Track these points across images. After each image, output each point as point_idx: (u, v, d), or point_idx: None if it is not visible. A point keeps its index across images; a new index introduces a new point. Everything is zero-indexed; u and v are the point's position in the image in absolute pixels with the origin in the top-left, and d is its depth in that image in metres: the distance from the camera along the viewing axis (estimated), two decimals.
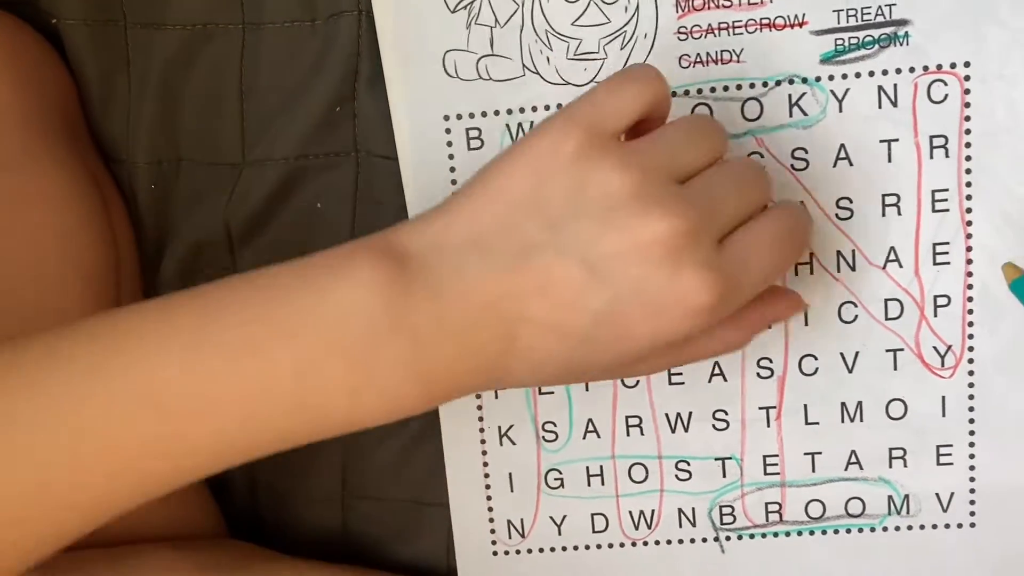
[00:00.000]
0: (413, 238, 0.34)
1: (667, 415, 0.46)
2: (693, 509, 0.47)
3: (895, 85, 0.42)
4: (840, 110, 0.43)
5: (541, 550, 0.48)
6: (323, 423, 0.33)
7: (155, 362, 0.32)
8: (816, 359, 0.45)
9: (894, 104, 0.43)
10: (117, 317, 0.33)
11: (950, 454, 0.46)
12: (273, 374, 0.32)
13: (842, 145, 0.43)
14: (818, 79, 0.43)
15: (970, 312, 0.44)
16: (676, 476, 0.47)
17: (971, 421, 0.45)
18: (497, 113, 0.44)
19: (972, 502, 0.46)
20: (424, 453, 0.49)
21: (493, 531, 0.48)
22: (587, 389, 0.46)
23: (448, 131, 0.44)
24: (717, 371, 0.46)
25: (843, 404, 0.45)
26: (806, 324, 0.45)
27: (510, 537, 0.48)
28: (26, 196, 0.43)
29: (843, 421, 0.46)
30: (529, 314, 0.33)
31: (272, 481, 0.51)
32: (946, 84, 0.42)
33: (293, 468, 0.50)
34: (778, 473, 0.47)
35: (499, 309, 0.33)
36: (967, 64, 0.42)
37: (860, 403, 0.45)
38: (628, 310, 0.33)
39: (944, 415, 0.45)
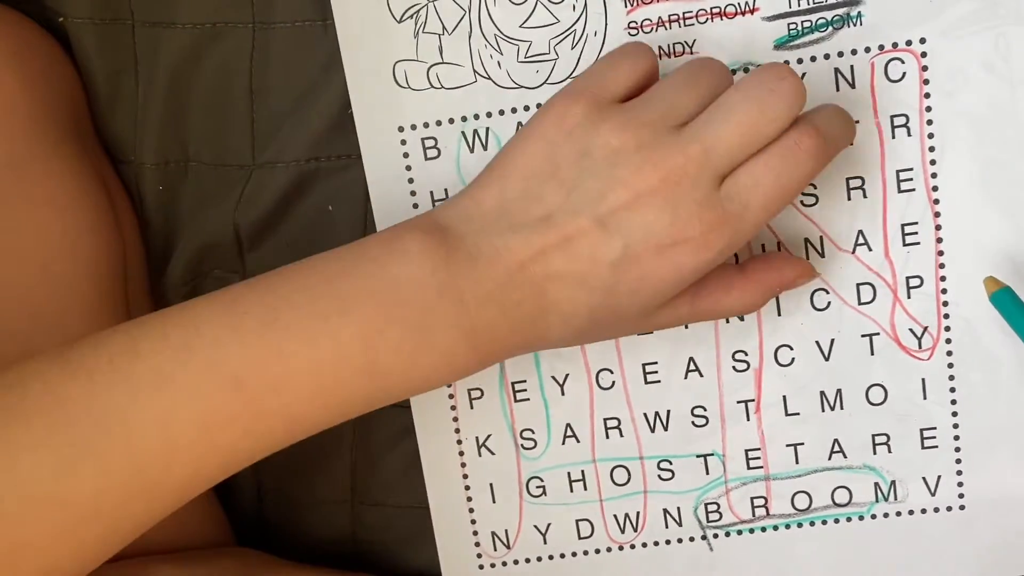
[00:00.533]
0: (449, 213, 0.37)
1: (645, 415, 0.46)
2: (678, 508, 0.47)
3: (851, 67, 0.42)
4: None
5: (528, 560, 0.48)
6: (389, 388, 0.36)
7: (232, 343, 0.34)
8: (792, 349, 0.44)
9: (852, 86, 0.42)
10: (186, 308, 0.35)
11: (934, 437, 0.45)
12: (341, 344, 0.35)
13: None
14: None
15: (944, 292, 0.43)
16: (659, 476, 0.46)
17: (953, 403, 0.44)
18: (452, 121, 0.43)
19: (960, 484, 0.45)
20: None
21: (478, 544, 0.48)
22: (563, 394, 0.46)
23: (404, 142, 0.44)
24: (692, 367, 0.45)
25: (822, 393, 0.45)
26: (779, 314, 0.44)
27: (495, 549, 0.48)
28: (34, 196, 0.43)
29: (823, 410, 0.45)
30: (554, 270, 0.36)
31: (280, 487, 0.51)
32: (903, 62, 0.42)
33: (302, 474, 0.50)
34: (761, 467, 0.46)
35: (528, 269, 0.36)
36: (923, 40, 0.41)
37: (839, 391, 0.45)
38: (641, 255, 0.36)
39: (925, 398, 0.44)
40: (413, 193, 0.44)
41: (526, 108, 0.43)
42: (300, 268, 0.37)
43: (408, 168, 0.44)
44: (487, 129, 0.43)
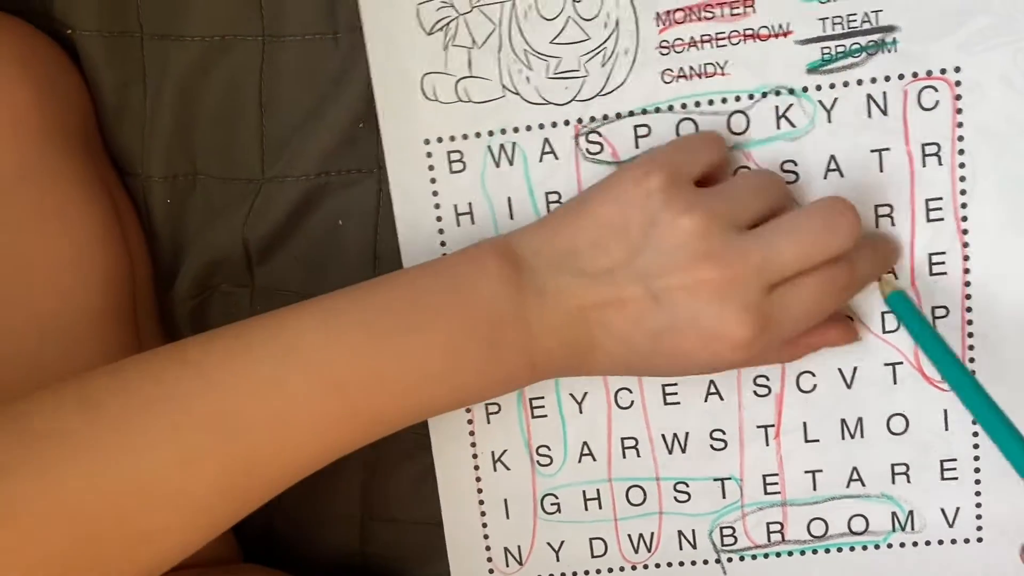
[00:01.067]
0: (523, 244, 0.40)
1: (663, 436, 0.45)
2: (693, 531, 0.46)
3: (884, 93, 0.41)
4: (829, 120, 0.42)
5: None
6: (461, 396, 0.39)
7: (335, 350, 0.37)
8: (814, 375, 0.44)
9: (884, 112, 0.41)
10: (288, 314, 0.38)
11: (954, 468, 0.44)
12: (428, 352, 0.38)
13: (832, 156, 0.42)
14: (805, 89, 0.42)
15: (969, 323, 0.43)
16: (675, 498, 0.46)
17: (975, 435, 0.44)
18: (478, 135, 0.43)
19: (979, 516, 0.45)
20: None
21: (490, 559, 0.47)
22: (581, 412, 0.45)
23: (429, 155, 0.43)
24: (713, 390, 0.45)
25: (843, 420, 0.44)
26: None
27: (507, 565, 0.48)
28: (43, 208, 0.43)
29: (843, 437, 0.45)
30: (606, 322, 0.39)
31: (289, 502, 0.50)
32: (936, 90, 0.41)
33: (312, 489, 0.49)
34: (779, 492, 0.45)
35: (585, 313, 0.39)
36: (957, 69, 0.41)
37: (860, 419, 0.44)
38: (682, 335, 0.38)
39: (947, 429, 0.44)
40: (437, 206, 0.44)
41: (553, 124, 0.43)
42: (393, 281, 0.39)
43: (433, 180, 0.44)
44: (513, 144, 0.43)
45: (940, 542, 0.45)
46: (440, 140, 0.43)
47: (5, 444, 0.34)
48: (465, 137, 0.43)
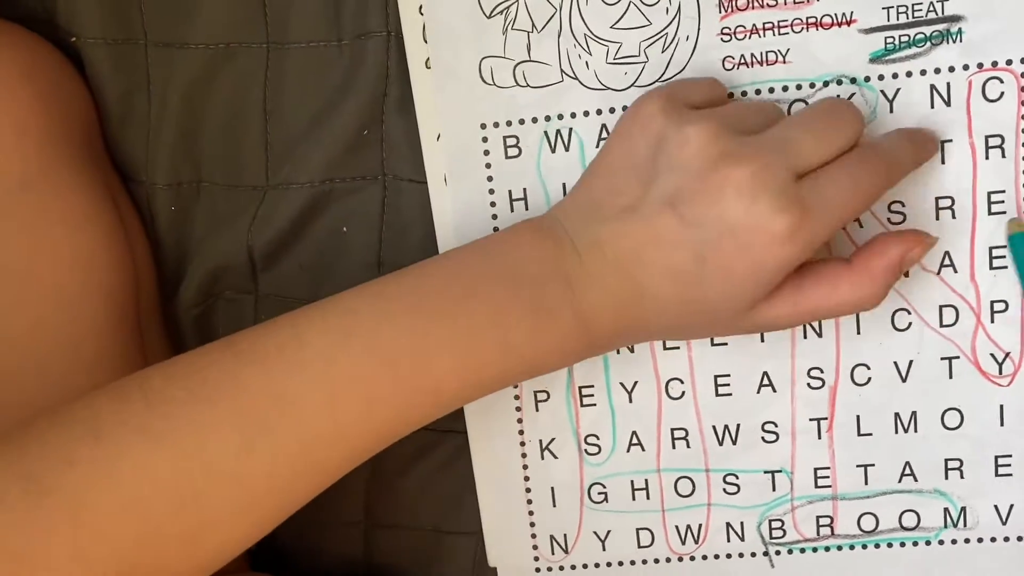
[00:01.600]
0: (553, 213, 0.40)
1: (714, 427, 0.45)
2: (742, 523, 0.46)
3: (948, 84, 0.41)
4: (891, 111, 0.41)
5: (585, 566, 0.47)
6: (519, 365, 0.38)
7: (385, 328, 0.37)
8: (868, 368, 0.44)
9: (947, 103, 0.41)
10: (340, 300, 0.38)
11: (1009, 464, 0.44)
12: (475, 322, 0.37)
13: None
14: (867, 79, 0.41)
15: None
16: (724, 490, 0.46)
17: None
18: (535, 120, 0.43)
19: None
20: (447, 482, 0.48)
21: (535, 547, 0.47)
22: (631, 401, 0.45)
23: (485, 139, 0.43)
24: (766, 382, 0.44)
25: (897, 414, 0.44)
26: (858, 333, 0.43)
27: (553, 553, 0.47)
28: (47, 216, 0.43)
29: (897, 432, 0.44)
30: (647, 262, 0.37)
31: None
32: (1002, 82, 0.41)
33: (315, 498, 0.49)
34: (830, 486, 0.45)
35: (620, 257, 0.38)
36: (1023, 61, 0.40)
37: (914, 413, 0.44)
38: (722, 246, 0.36)
39: (1002, 424, 0.44)
40: (492, 191, 0.44)
41: (611, 110, 0.42)
42: (436, 262, 0.40)
43: (488, 166, 0.43)
44: (570, 130, 0.43)
45: (992, 539, 0.45)
46: (496, 125, 0.43)
47: (72, 437, 0.34)
48: (522, 122, 0.43)
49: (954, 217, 0.42)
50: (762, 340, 0.44)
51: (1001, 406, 0.43)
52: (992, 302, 0.42)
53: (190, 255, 0.47)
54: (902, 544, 0.45)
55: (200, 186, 0.47)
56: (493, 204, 0.44)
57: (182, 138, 0.46)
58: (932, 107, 0.41)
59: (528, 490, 0.47)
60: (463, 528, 0.48)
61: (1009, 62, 0.40)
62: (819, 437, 0.45)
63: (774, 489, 0.45)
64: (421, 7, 0.42)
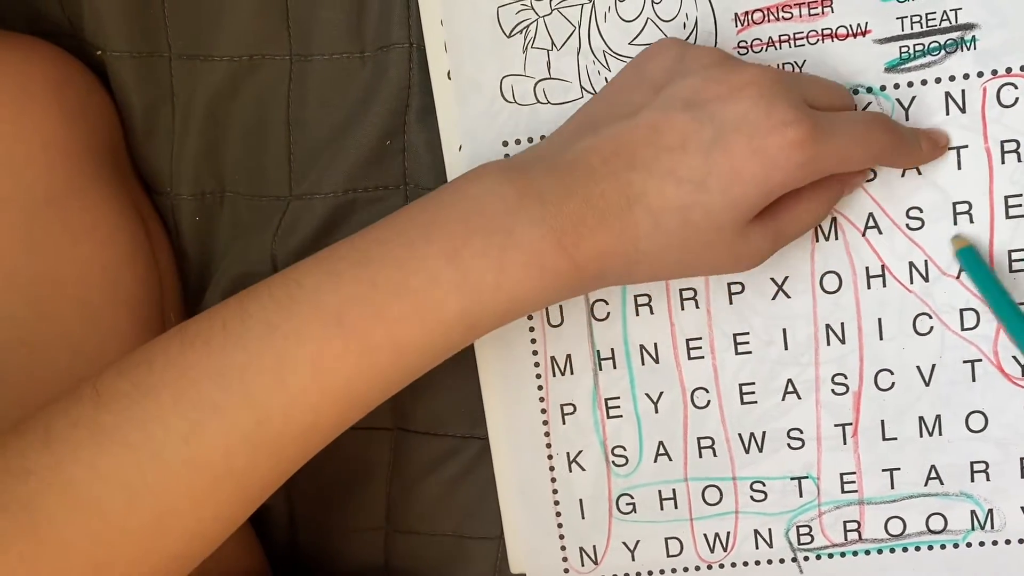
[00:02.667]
0: (521, 154, 0.39)
1: (740, 436, 0.45)
2: (769, 530, 0.46)
3: (963, 91, 0.41)
4: (907, 118, 0.42)
5: None
6: (484, 302, 0.36)
7: (330, 285, 0.36)
8: (892, 373, 0.44)
9: (962, 110, 0.42)
10: (287, 270, 0.37)
11: None
12: (428, 264, 0.35)
13: None
14: (883, 88, 0.42)
15: None
16: (751, 497, 0.46)
17: None
18: None
19: None
20: (468, 488, 0.48)
21: (565, 559, 0.48)
22: (657, 411, 0.46)
23: (507, 156, 0.44)
24: (790, 389, 0.45)
25: (921, 418, 0.44)
26: (880, 338, 0.44)
27: (583, 564, 0.48)
28: (73, 230, 0.43)
29: (921, 435, 0.45)
30: (640, 161, 0.36)
31: (314, 515, 0.51)
32: (1016, 87, 0.41)
33: (336, 501, 0.50)
34: (856, 491, 0.45)
35: (611, 162, 0.36)
36: None
37: (939, 416, 0.44)
38: (733, 145, 0.36)
39: None
40: None
41: None
42: (389, 216, 0.38)
43: None
44: None
45: (1020, 541, 0.45)
46: (519, 142, 0.44)
47: (26, 445, 0.34)
48: (543, 138, 0.44)
49: (972, 222, 0.42)
50: (786, 348, 0.44)
51: None
52: None
53: (214, 265, 0.48)
54: (930, 547, 0.46)
55: (224, 197, 0.47)
56: None
57: (206, 149, 0.47)
58: (947, 114, 0.42)
59: (556, 502, 0.47)
60: (483, 533, 0.49)
61: (1023, 68, 0.41)
62: (844, 442, 0.45)
63: (801, 495, 0.46)
64: (442, 21, 0.43)
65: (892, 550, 0.46)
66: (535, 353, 0.46)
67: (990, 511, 0.45)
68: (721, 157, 0.36)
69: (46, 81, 0.43)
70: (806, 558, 0.47)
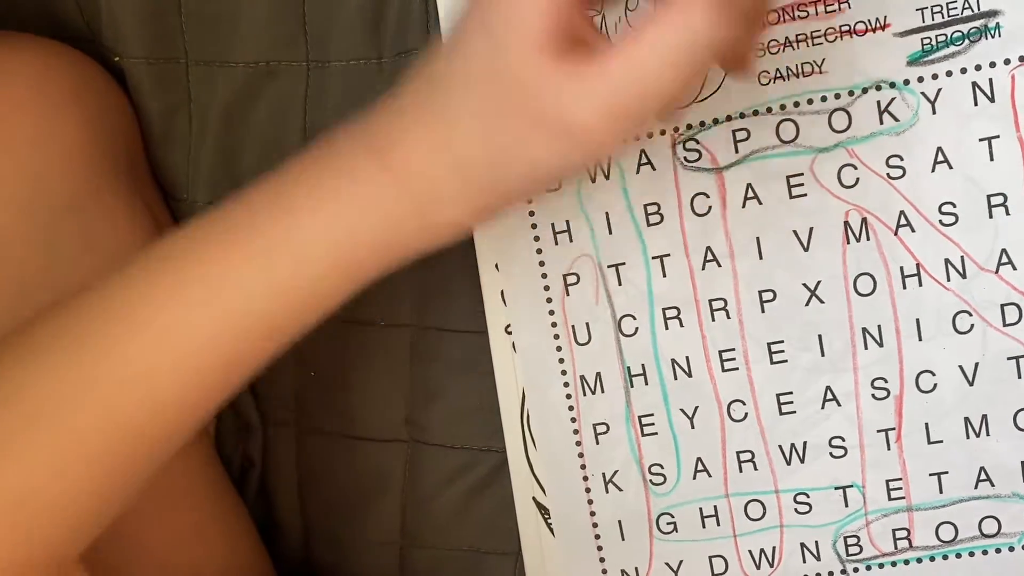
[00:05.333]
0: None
1: (780, 447, 0.44)
2: (816, 542, 0.45)
3: (990, 80, 0.40)
4: (933, 112, 0.41)
5: None
6: (303, 227, 0.35)
7: (190, 245, 0.35)
8: (934, 375, 0.43)
9: (991, 100, 0.40)
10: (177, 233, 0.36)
11: None
12: (258, 222, 0.35)
13: (939, 148, 0.41)
14: (907, 82, 0.41)
15: None
16: (795, 509, 0.45)
17: None
18: None
19: None
20: (486, 501, 0.47)
21: None
22: (692, 427, 0.44)
23: None
24: (830, 396, 0.43)
25: (967, 419, 0.43)
26: (920, 339, 0.42)
27: None
28: (91, 237, 0.43)
29: (968, 437, 0.43)
30: (437, 75, 0.33)
31: (327, 528, 0.50)
32: None
33: (350, 515, 0.49)
34: (903, 497, 0.44)
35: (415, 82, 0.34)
36: None
37: (985, 416, 0.43)
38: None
39: None
40: (534, 226, 0.43)
41: (649, 135, 0.42)
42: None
43: (529, 200, 0.43)
44: (609, 157, 0.42)
45: None
46: None
47: None
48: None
49: (1008, 213, 0.41)
50: (822, 354, 0.43)
51: None
52: None
53: None
54: (984, 552, 0.44)
55: None
56: (537, 239, 0.44)
57: (223, 156, 0.46)
58: (976, 104, 0.40)
59: (595, 524, 0.46)
60: (501, 549, 0.48)
61: None
62: (888, 448, 0.44)
63: (847, 505, 0.44)
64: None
65: (945, 556, 0.45)
66: (564, 373, 0.45)
67: None
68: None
69: (67, 85, 0.43)
70: (856, 569, 0.45)
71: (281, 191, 0.36)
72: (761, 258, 0.43)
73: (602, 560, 0.46)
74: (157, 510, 0.44)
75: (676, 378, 0.44)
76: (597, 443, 0.45)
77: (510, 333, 0.45)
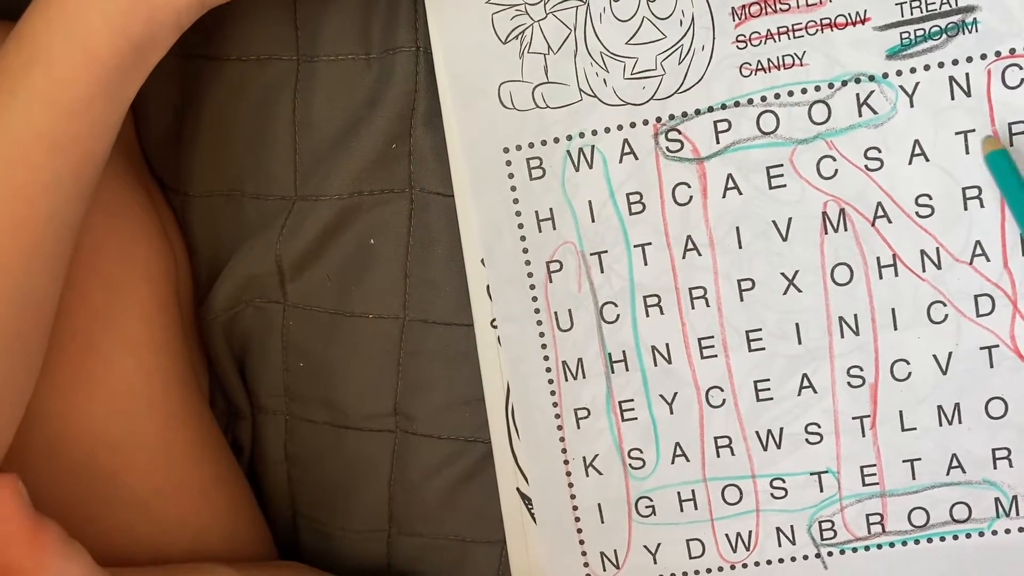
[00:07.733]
0: None
1: (757, 433, 0.45)
2: (792, 527, 0.46)
3: (967, 74, 0.41)
4: (911, 105, 0.41)
5: None
6: (25, 38, 0.38)
7: None
8: (908, 363, 0.44)
9: (967, 94, 0.41)
10: None
11: None
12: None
13: (916, 141, 0.42)
14: (885, 75, 0.41)
15: None
16: (772, 494, 0.46)
17: None
18: (557, 140, 0.43)
19: None
20: (472, 491, 0.48)
21: (587, 564, 0.47)
22: (672, 413, 0.45)
23: (508, 163, 0.43)
24: (806, 384, 0.44)
25: (939, 407, 0.44)
26: (895, 328, 0.43)
27: (604, 569, 0.47)
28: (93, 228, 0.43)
29: (941, 424, 0.44)
30: None
31: (315, 516, 0.51)
32: (1021, 68, 0.41)
33: (338, 503, 0.50)
34: (877, 483, 0.45)
35: None
36: None
37: (957, 404, 0.44)
38: None
39: None
40: (518, 213, 0.44)
41: (632, 125, 0.43)
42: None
43: (513, 189, 0.44)
44: (592, 147, 0.43)
45: None
46: (519, 148, 0.43)
47: None
48: (544, 143, 0.43)
49: (982, 206, 0.42)
50: (799, 343, 0.44)
51: None
52: None
53: (220, 264, 0.48)
54: (955, 537, 0.45)
55: (230, 196, 0.47)
56: (520, 226, 0.44)
57: (213, 149, 0.47)
58: (952, 99, 0.41)
59: (575, 508, 0.47)
60: (487, 537, 0.48)
61: None
62: (863, 435, 0.44)
63: (821, 490, 0.45)
64: (439, 28, 0.42)
65: (917, 541, 0.46)
66: (546, 359, 0.45)
67: (1014, 498, 0.44)
68: None
69: None
70: (830, 553, 0.46)
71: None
72: (741, 247, 0.43)
73: (582, 543, 0.47)
74: (165, 461, 0.45)
75: (656, 365, 0.45)
76: (578, 427, 0.46)
77: (495, 327, 0.45)
